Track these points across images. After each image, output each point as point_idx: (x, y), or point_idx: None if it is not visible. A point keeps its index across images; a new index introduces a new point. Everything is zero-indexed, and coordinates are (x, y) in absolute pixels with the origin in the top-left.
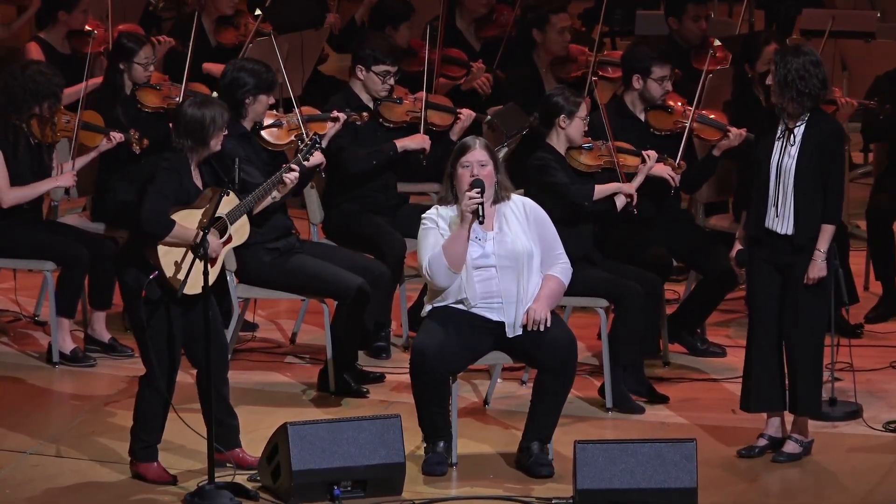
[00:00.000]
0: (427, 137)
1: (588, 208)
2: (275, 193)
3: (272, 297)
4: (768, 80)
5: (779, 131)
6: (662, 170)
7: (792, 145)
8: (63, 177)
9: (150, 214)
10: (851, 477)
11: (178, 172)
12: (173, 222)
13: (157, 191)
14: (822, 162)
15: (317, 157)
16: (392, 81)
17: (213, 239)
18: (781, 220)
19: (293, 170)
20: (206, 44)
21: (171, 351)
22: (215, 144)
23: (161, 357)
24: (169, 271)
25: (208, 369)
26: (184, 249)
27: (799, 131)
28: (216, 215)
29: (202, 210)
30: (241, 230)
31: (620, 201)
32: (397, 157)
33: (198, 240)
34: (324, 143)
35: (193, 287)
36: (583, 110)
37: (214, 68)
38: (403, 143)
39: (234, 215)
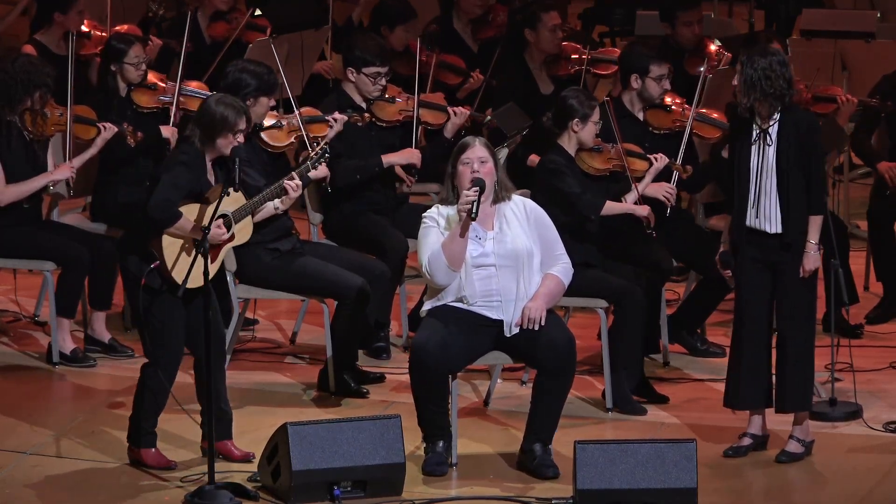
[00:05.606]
0: (417, 152)
1: (594, 221)
2: (277, 203)
3: (272, 297)
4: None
5: (754, 133)
6: (657, 190)
7: (769, 145)
8: (60, 169)
9: (160, 202)
10: (851, 477)
11: (195, 167)
12: (180, 213)
13: (170, 180)
14: (801, 156)
15: (321, 170)
16: (383, 82)
17: (217, 230)
18: (768, 220)
19: (295, 178)
20: (201, 42)
21: (172, 341)
22: (223, 145)
23: (160, 346)
24: (170, 263)
25: (208, 362)
26: (187, 243)
27: (773, 130)
28: (223, 212)
29: (209, 206)
30: (244, 230)
31: (643, 211)
32: (382, 171)
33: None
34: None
35: (194, 281)
36: (596, 114)
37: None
38: (390, 159)
39: (239, 214)
